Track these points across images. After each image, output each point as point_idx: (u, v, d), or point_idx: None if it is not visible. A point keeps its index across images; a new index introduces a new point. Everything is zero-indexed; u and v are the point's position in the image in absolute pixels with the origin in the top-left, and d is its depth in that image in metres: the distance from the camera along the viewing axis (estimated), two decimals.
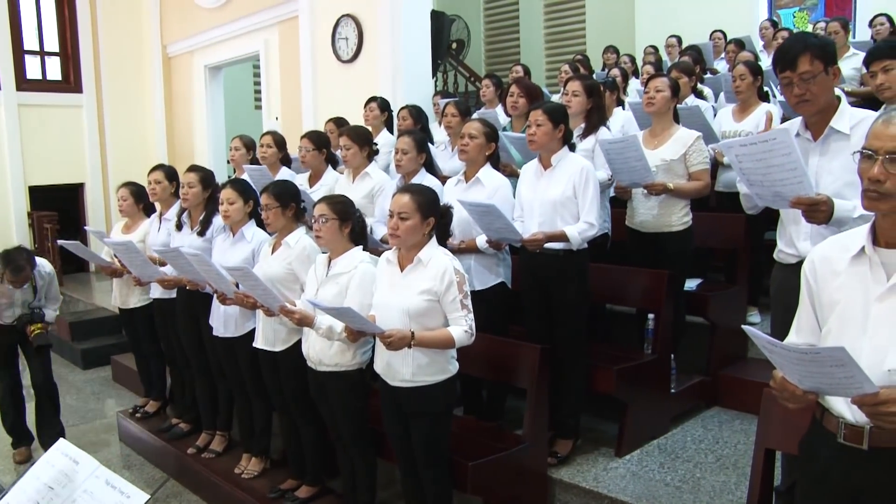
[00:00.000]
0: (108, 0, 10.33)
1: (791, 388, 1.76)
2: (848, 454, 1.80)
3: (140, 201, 4.99)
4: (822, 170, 2.66)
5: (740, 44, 7.32)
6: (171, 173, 4.82)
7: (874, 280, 1.77)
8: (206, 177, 4.37)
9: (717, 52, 8.06)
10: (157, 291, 4.72)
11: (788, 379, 1.76)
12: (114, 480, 1.75)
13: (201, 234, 4.31)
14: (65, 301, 8.77)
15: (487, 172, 3.87)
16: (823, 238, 2.19)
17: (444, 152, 5.38)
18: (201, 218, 4.35)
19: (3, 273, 4.52)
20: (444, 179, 4.48)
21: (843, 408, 1.80)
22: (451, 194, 3.88)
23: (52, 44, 10.27)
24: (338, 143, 5.22)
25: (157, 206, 4.87)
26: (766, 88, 5.25)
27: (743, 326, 1.81)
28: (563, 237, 3.56)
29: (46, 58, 10.26)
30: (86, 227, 5.71)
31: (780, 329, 2.77)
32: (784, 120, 4.33)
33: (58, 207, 9.56)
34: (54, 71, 10.34)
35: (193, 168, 4.44)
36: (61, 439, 1.90)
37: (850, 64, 6.11)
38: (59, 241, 4.97)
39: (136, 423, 5.11)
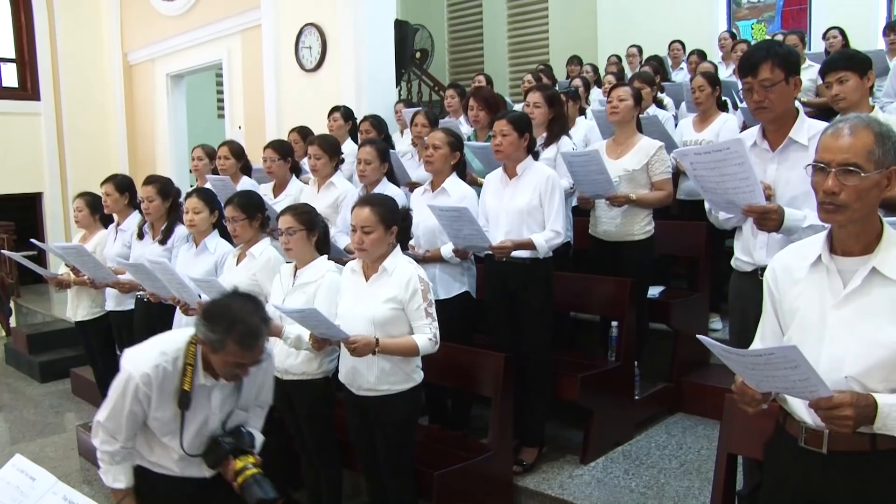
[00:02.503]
0: (67, 6, 10.13)
1: (751, 393, 1.78)
2: (808, 458, 1.82)
3: (96, 212, 4.88)
4: (780, 179, 2.70)
5: (702, 54, 7.45)
6: (122, 184, 4.70)
7: (831, 288, 1.79)
8: (163, 188, 4.30)
9: (676, 62, 8.17)
10: (111, 303, 4.63)
11: (747, 383, 1.78)
12: (72, 496, 1.71)
13: (162, 242, 4.26)
14: (21, 313, 8.50)
15: (453, 182, 3.87)
16: (779, 247, 2.22)
17: (410, 161, 5.38)
18: (163, 227, 4.30)
19: (222, 345, 2.36)
20: (412, 186, 4.48)
21: (804, 412, 1.83)
22: (418, 203, 3.88)
23: (7, 50, 10.06)
24: (302, 152, 5.18)
25: (115, 216, 4.79)
26: (724, 98, 5.36)
27: (698, 336, 1.82)
28: (530, 245, 3.58)
29: (2, 64, 10.04)
30: (32, 240, 5.43)
31: (738, 335, 2.83)
32: (744, 128, 4.42)
33: (15, 217, 9.33)
34: (10, 78, 10.12)
35: (149, 180, 4.36)
36: (17, 455, 1.85)
37: (807, 75, 6.24)
38: (4, 252, 4.62)
39: None
